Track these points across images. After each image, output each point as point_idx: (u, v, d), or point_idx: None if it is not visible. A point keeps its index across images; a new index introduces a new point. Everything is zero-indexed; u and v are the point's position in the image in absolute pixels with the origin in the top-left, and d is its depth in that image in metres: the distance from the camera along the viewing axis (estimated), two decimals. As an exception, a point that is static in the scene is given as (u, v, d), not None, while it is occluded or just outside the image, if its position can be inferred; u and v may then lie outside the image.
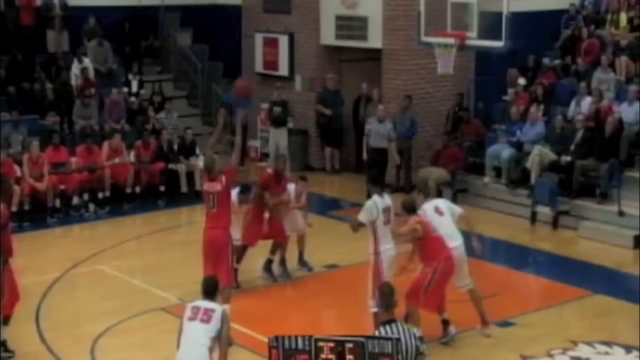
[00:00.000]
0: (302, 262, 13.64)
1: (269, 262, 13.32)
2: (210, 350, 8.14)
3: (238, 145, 11.51)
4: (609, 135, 16.43)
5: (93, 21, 20.89)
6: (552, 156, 16.85)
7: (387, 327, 6.99)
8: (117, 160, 17.61)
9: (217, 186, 10.97)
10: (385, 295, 7.11)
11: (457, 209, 11.47)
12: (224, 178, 10.99)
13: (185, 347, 8.21)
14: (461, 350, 11.17)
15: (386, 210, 10.78)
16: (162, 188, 18.02)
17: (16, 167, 16.51)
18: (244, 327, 11.15)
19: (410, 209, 10.93)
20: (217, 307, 8.30)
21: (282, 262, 13.38)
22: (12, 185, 11.48)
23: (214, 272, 10.99)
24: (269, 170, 13.45)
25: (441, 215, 11.13)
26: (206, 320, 8.20)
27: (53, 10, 20.57)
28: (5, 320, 10.70)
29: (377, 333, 7.03)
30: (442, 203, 11.60)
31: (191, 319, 8.24)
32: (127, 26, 21.77)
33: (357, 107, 20.07)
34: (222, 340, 8.21)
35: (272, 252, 13.32)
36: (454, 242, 10.99)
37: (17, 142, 17.51)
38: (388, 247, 10.81)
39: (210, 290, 8.44)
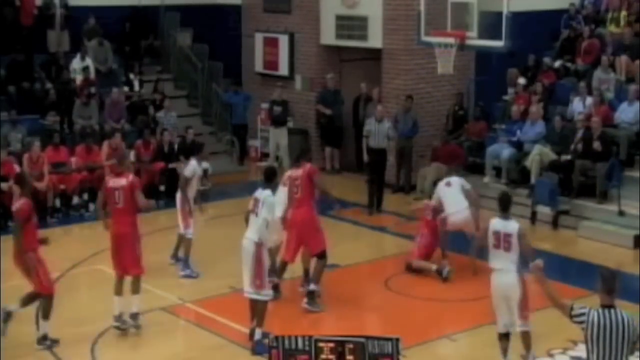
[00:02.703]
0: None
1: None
2: (518, 272, 9.55)
3: None
4: (596, 137, 16.38)
5: (93, 21, 20.89)
6: (552, 156, 16.85)
7: (606, 311, 7.08)
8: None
9: (122, 181, 11.23)
10: (607, 279, 7.21)
11: (467, 185, 13.86)
12: (130, 175, 11.31)
13: (494, 274, 9.71)
14: (461, 350, 11.17)
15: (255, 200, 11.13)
16: (162, 188, 18.02)
17: (16, 167, 16.51)
18: (244, 327, 11.16)
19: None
20: (514, 231, 9.58)
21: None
22: (31, 180, 12.02)
23: (122, 263, 11.40)
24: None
25: (449, 187, 13.58)
26: (507, 248, 9.56)
27: (54, 10, 20.54)
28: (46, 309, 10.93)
29: (595, 315, 7.06)
30: (454, 180, 13.79)
31: (495, 246, 9.63)
32: (127, 26, 21.77)
33: (356, 106, 20.07)
34: (525, 255, 9.52)
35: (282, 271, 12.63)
36: (455, 207, 13.38)
37: (15, 140, 17.49)
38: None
39: (505, 203, 9.88)
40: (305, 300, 12.14)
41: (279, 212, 11.87)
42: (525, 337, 9.96)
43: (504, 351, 10.08)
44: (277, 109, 20.17)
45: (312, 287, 12.19)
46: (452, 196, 13.62)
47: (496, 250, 9.61)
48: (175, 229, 14.73)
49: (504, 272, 9.66)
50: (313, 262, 12.53)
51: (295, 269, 12.94)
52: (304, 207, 12.19)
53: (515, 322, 9.90)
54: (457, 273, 13.60)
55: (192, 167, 13.96)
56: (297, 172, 12.34)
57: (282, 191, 12.25)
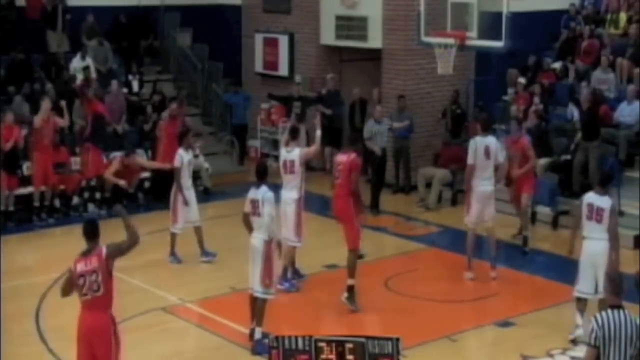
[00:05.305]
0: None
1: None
2: (608, 241, 10.51)
3: None
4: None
5: (93, 21, 20.88)
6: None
7: (615, 312, 7.16)
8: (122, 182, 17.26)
9: None
10: (614, 282, 7.36)
11: (500, 159, 13.51)
12: None
13: (585, 242, 10.64)
14: (461, 350, 11.18)
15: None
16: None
17: (23, 130, 16.46)
18: (244, 327, 11.17)
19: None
20: (606, 206, 10.45)
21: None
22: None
23: None
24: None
25: (488, 159, 13.15)
26: (599, 220, 10.47)
27: (55, 10, 20.52)
28: None
29: (602, 315, 7.15)
30: (494, 145, 13.31)
31: (588, 217, 10.55)
32: (128, 26, 21.76)
33: (352, 111, 19.98)
34: (611, 234, 10.56)
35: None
36: (483, 182, 13.23)
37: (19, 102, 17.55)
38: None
39: (605, 180, 10.67)
40: (345, 295, 12.17)
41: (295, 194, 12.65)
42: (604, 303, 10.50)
43: (581, 312, 10.88)
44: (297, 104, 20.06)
45: (349, 282, 12.23)
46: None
47: (589, 222, 10.52)
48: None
49: (594, 240, 10.54)
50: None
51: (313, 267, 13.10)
52: (342, 197, 12.30)
53: (599, 289, 10.46)
54: (457, 273, 13.61)
55: (178, 157, 14.17)
56: (342, 158, 12.45)
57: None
